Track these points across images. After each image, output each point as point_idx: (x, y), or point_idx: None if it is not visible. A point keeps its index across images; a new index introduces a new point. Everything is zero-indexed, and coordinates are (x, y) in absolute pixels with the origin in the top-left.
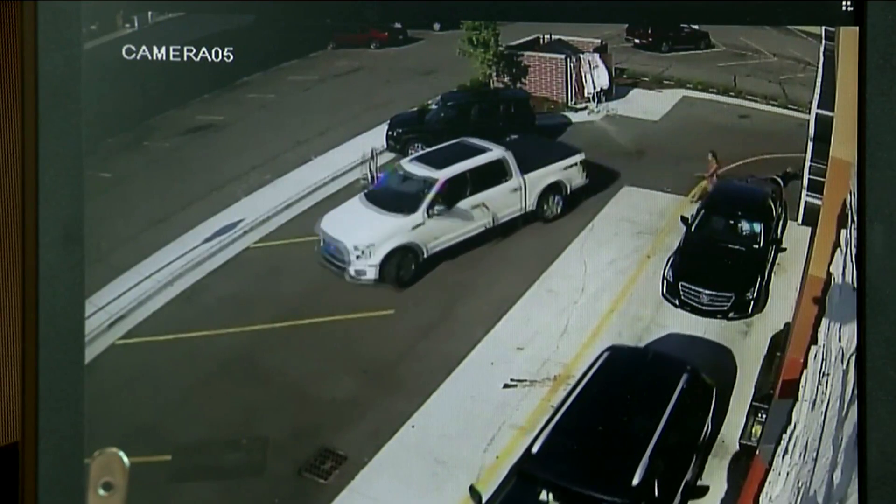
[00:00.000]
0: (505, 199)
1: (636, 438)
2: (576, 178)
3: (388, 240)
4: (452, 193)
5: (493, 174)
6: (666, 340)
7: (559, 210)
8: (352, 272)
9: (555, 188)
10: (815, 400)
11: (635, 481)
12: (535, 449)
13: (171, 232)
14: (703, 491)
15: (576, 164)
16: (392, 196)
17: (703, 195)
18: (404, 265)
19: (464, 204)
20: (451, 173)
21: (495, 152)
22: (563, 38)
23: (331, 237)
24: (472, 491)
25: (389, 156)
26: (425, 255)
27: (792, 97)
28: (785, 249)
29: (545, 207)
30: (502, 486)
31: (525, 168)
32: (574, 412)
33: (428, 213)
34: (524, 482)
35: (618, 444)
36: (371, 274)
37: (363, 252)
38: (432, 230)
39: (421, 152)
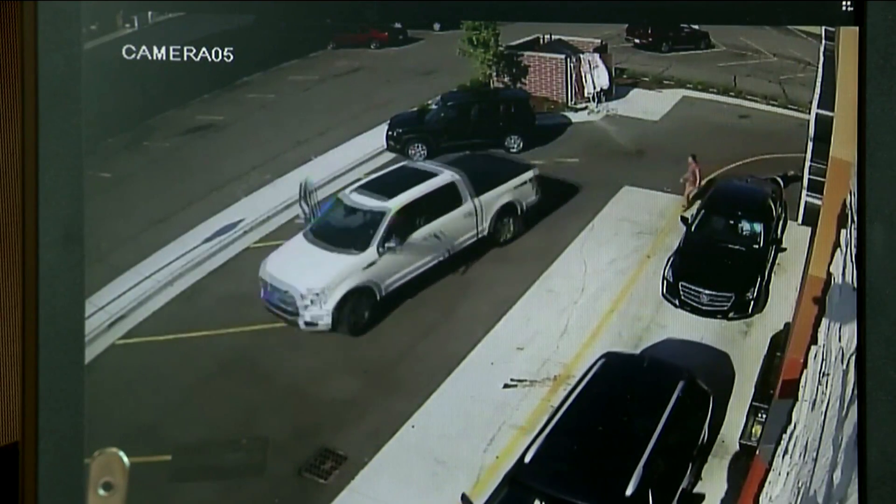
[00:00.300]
0: (459, 226)
1: (631, 447)
2: (529, 196)
3: (341, 282)
4: (405, 224)
5: (445, 200)
6: (663, 346)
7: (514, 231)
8: (305, 320)
9: (509, 209)
10: (815, 400)
11: (629, 491)
12: (528, 457)
13: (171, 232)
14: (700, 499)
15: (528, 181)
16: (339, 231)
17: (693, 200)
18: (359, 309)
19: (418, 235)
20: (401, 202)
21: (445, 175)
22: (563, 38)
23: (279, 282)
24: (464, 499)
25: (331, 188)
26: (381, 295)
27: (792, 97)
28: (785, 249)
29: (500, 230)
30: (495, 495)
31: (477, 189)
32: (568, 420)
33: (381, 248)
34: (517, 491)
35: (612, 454)
36: (326, 321)
37: (315, 298)
38: (387, 267)
39: (364, 180)
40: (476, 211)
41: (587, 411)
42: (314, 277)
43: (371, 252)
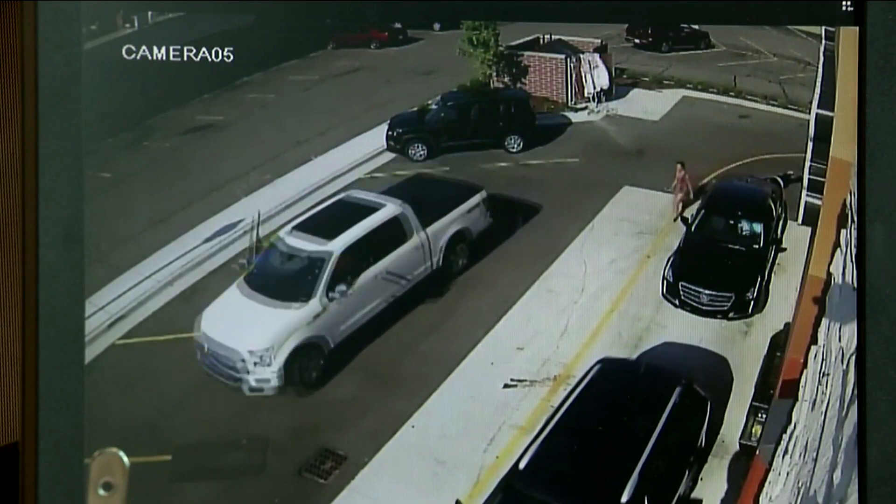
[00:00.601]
0: (408, 262)
1: (626, 454)
2: (480, 221)
3: (286, 339)
4: (350, 267)
5: (390, 236)
6: (660, 350)
7: (467, 259)
8: (250, 385)
9: (460, 237)
10: (815, 400)
11: (625, 498)
12: (522, 464)
13: (171, 232)
14: None
15: (478, 205)
16: (278, 281)
17: (682, 209)
18: (309, 365)
19: (365, 277)
20: (344, 244)
21: (389, 209)
22: (563, 38)
23: (217, 344)
24: None
25: (280, 219)
26: (332, 347)
27: (792, 97)
28: (785, 249)
29: (453, 260)
30: (489, 501)
31: (424, 220)
32: (564, 426)
33: (326, 298)
34: (511, 497)
35: (607, 460)
36: (274, 382)
37: (259, 360)
38: (335, 316)
39: (301, 219)
40: (424, 244)
41: (583, 417)
42: (256, 337)
43: (316, 303)
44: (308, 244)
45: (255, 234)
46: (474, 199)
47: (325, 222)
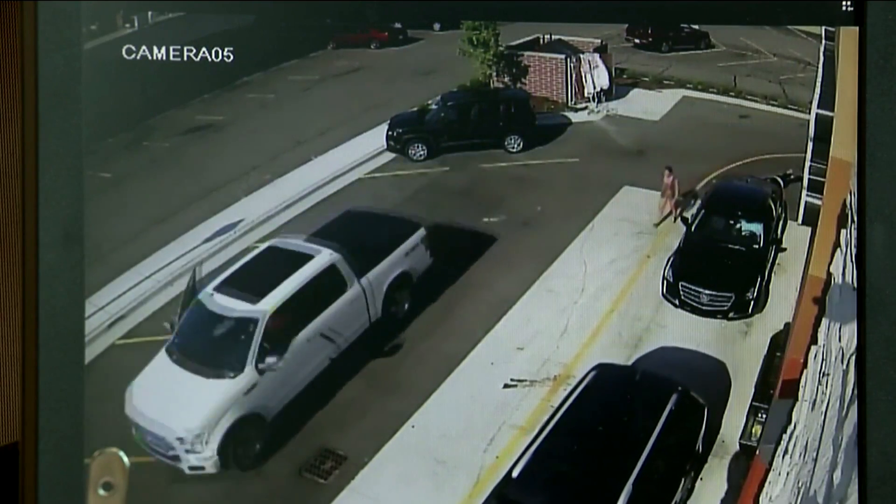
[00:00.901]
0: (348, 315)
1: (620, 463)
2: (422, 261)
3: (222, 416)
4: (284, 328)
5: (327, 287)
6: (657, 355)
7: (409, 307)
8: (189, 465)
9: (401, 281)
10: (815, 400)
11: None
12: (515, 473)
13: (171, 232)
14: None
15: (419, 243)
16: (207, 348)
17: (666, 216)
18: (249, 441)
19: (301, 338)
20: (276, 302)
21: (323, 256)
22: (563, 38)
23: (149, 422)
24: None
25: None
26: (269, 420)
27: (792, 97)
28: (785, 249)
29: (395, 307)
30: None
31: (362, 266)
32: (557, 435)
33: (260, 366)
34: None
35: (601, 470)
36: (211, 468)
37: (195, 440)
38: (273, 385)
39: (226, 274)
40: (365, 293)
41: (577, 425)
42: (186, 418)
43: (249, 372)
44: (236, 304)
45: (191, 281)
46: (414, 237)
47: (254, 277)
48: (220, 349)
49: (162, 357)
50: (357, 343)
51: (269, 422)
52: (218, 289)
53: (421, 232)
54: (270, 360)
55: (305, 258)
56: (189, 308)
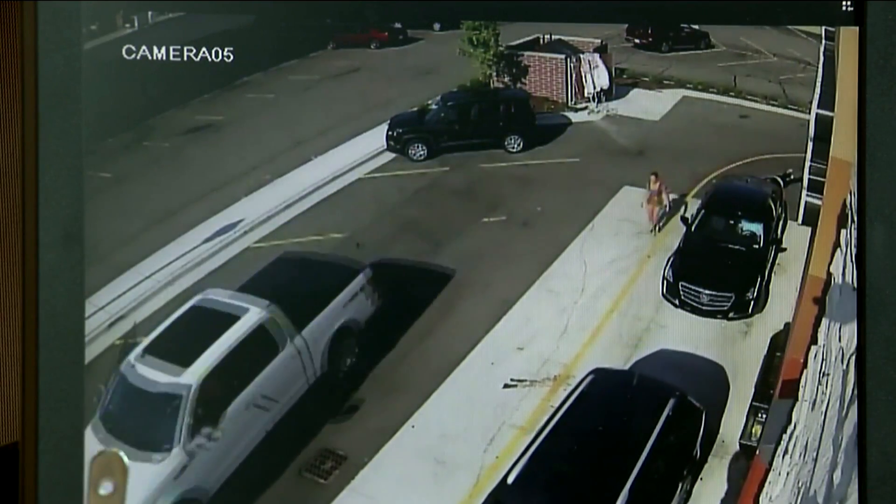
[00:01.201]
0: (285, 377)
1: (617, 469)
2: (366, 308)
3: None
4: (214, 399)
5: (259, 348)
6: (654, 359)
7: (357, 356)
8: None
9: (344, 333)
10: (815, 400)
11: None
12: (511, 478)
13: (171, 232)
14: None
15: (361, 290)
16: (132, 424)
17: (661, 219)
18: None
19: (235, 408)
20: (202, 371)
21: (252, 315)
22: (563, 38)
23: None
24: None
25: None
26: (210, 497)
27: (792, 97)
28: (785, 249)
29: (339, 361)
30: None
31: (297, 322)
32: (553, 440)
33: (189, 445)
34: None
35: (597, 476)
36: None
37: None
38: (204, 467)
39: (149, 340)
40: (300, 352)
41: (573, 430)
42: None
43: (179, 452)
44: (161, 375)
45: (124, 346)
46: (356, 282)
47: (179, 341)
48: (148, 424)
49: (90, 433)
50: (298, 407)
51: (208, 500)
52: (142, 358)
53: (366, 274)
54: (200, 438)
55: (232, 319)
56: (112, 380)
